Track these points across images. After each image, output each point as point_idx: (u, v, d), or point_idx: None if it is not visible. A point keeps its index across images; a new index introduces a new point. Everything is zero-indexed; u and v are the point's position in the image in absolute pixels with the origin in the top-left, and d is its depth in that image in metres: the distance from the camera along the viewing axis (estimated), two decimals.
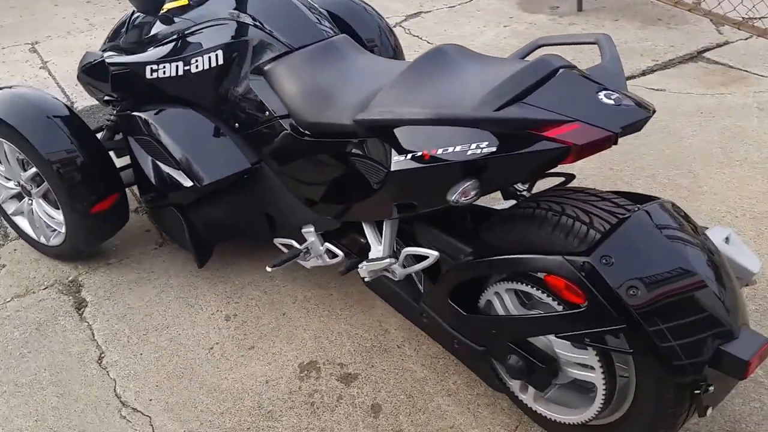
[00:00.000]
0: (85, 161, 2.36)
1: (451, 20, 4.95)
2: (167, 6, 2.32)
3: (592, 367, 1.59)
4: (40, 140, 2.32)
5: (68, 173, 2.32)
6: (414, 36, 4.71)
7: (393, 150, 1.68)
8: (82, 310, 2.44)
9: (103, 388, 2.12)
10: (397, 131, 1.67)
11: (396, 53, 2.85)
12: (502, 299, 1.72)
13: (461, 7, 5.21)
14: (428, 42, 4.63)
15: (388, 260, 1.90)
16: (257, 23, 2.16)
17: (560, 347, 1.64)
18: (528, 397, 1.80)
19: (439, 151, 1.57)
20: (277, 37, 2.14)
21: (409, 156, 1.63)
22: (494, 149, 1.49)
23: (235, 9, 2.23)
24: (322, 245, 2.15)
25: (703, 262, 1.45)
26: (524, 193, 2.16)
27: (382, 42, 2.79)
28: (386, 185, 1.75)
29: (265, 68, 2.12)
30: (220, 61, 2.20)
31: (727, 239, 1.63)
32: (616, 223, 1.47)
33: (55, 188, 2.37)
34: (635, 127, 1.46)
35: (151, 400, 2.07)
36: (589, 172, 3.01)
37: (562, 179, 2.05)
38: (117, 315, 2.40)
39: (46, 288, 2.55)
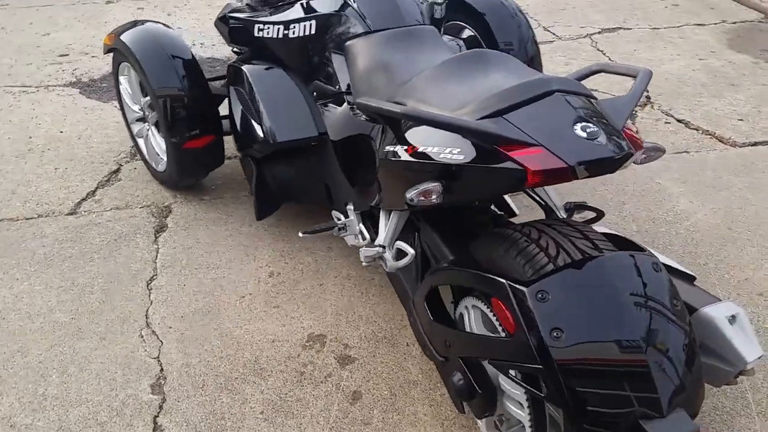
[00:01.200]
0: (189, 101, 2.55)
1: (647, 41, 4.61)
2: None
3: (521, 405, 1.46)
4: (154, 74, 2.55)
5: (172, 108, 2.54)
6: (598, 50, 4.47)
7: (387, 139, 1.67)
8: (159, 233, 2.66)
9: (139, 306, 2.30)
10: (395, 123, 1.67)
11: (533, 61, 2.76)
12: (469, 314, 1.64)
13: (665, 30, 4.82)
14: (609, 59, 4.36)
15: (377, 248, 1.87)
16: (351, 0, 2.20)
17: (503, 378, 1.52)
18: (482, 425, 1.70)
19: (420, 149, 1.53)
20: (363, 16, 2.16)
21: (395, 147, 1.61)
22: (463, 158, 1.44)
23: None
24: (357, 225, 2.16)
25: (655, 334, 1.26)
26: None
27: (519, 47, 2.73)
28: (378, 173, 1.73)
29: (345, 44, 2.16)
30: (312, 31, 2.27)
31: (733, 318, 1.41)
32: (569, 263, 1.33)
33: (160, 118, 2.59)
34: (602, 165, 1.36)
35: (170, 328, 2.22)
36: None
37: (593, 215, 1.89)
38: (184, 246, 2.58)
39: (142, 207, 2.81)
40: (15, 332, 2.20)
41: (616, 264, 1.33)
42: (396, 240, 1.89)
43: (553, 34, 4.79)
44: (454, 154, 1.46)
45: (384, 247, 1.88)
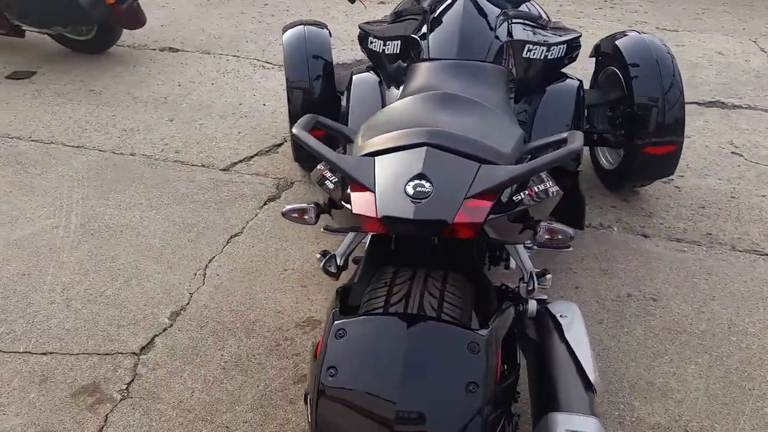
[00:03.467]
0: (314, 96, 2.91)
1: None
2: None
3: None
4: (290, 68, 2.95)
5: (293, 97, 2.92)
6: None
7: None
8: (269, 202, 3.08)
9: (211, 253, 2.74)
10: None
11: (675, 125, 2.69)
12: None
13: None
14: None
15: None
16: (426, 24, 2.34)
17: None
18: None
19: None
20: (429, 44, 2.29)
21: None
22: (332, 187, 1.57)
23: (429, 7, 2.44)
24: None
25: (412, 405, 1.28)
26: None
27: (663, 106, 2.67)
28: None
29: (409, 66, 2.32)
30: (397, 51, 2.46)
31: None
32: (380, 312, 1.41)
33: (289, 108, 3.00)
34: (407, 224, 1.38)
35: (217, 275, 2.62)
36: None
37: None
38: (276, 216, 2.97)
39: (274, 178, 3.26)
40: (120, 243, 2.79)
41: (416, 328, 1.34)
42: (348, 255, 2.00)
43: None
44: (332, 181, 1.59)
45: None
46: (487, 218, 1.40)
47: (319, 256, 1.91)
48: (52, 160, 3.42)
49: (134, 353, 2.25)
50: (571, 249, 2.24)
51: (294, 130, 1.62)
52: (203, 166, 3.37)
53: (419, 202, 1.38)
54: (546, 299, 1.94)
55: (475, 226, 1.39)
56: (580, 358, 1.61)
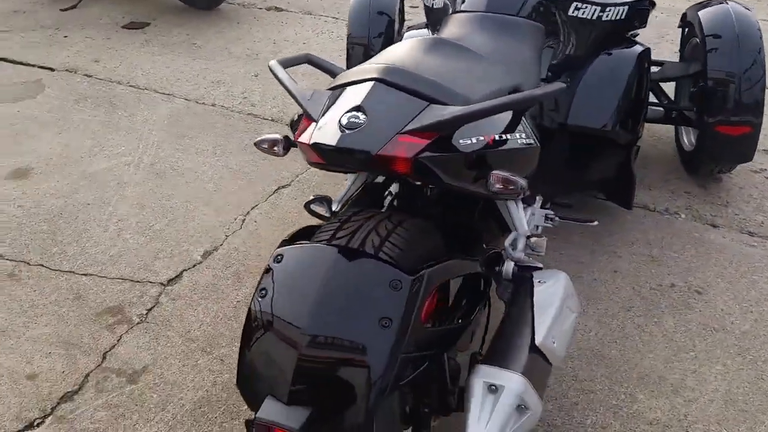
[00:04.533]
0: (368, 51, 2.91)
1: None
2: None
3: None
4: (352, 23, 2.96)
5: (353, 53, 2.94)
6: None
7: None
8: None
9: (256, 200, 2.84)
10: None
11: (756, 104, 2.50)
12: None
13: None
14: None
15: None
16: None
17: None
18: None
19: None
20: None
21: None
22: (296, 119, 1.60)
23: None
24: None
25: (319, 330, 1.28)
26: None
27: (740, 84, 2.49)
28: None
29: (444, 18, 2.27)
30: (440, 5, 2.45)
31: (493, 388, 1.38)
32: (313, 242, 1.41)
33: None
34: (334, 153, 1.39)
35: (255, 222, 2.71)
36: None
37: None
38: (330, 174, 3.01)
39: None
40: (179, 184, 2.95)
41: (341, 259, 1.33)
42: None
43: None
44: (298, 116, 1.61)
45: None
46: (418, 156, 1.37)
47: (312, 197, 1.93)
48: (141, 105, 3.65)
49: (162, 283, 2.38)
50: (596, 223, 2.13)
51: (270, 63, 1.65)
52: (272, 120, 3.48)
53: (348, 132, 1.37)
54: (539, 266, 1.86)
55: (405, 161, 1.36)
56: (536, 322, 1.54)
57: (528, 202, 2.12)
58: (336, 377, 1.28)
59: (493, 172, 1.47)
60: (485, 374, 1.39)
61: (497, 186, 1.48)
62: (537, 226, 2.19)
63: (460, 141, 1.44)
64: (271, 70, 1.62)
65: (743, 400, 1.94)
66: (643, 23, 2.61)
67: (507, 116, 1.59)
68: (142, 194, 2.87)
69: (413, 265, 1.40)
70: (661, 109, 2.90)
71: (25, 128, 3.38)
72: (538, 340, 1.50)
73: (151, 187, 2.93)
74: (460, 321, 1.63)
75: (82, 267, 2.45)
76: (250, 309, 1.37)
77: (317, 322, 1.28)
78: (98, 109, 3.60)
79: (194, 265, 2.47)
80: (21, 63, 4.17)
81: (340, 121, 1.40)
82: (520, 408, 1.38)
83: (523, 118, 1.67)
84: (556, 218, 2.17)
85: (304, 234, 1.53)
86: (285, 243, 1.47)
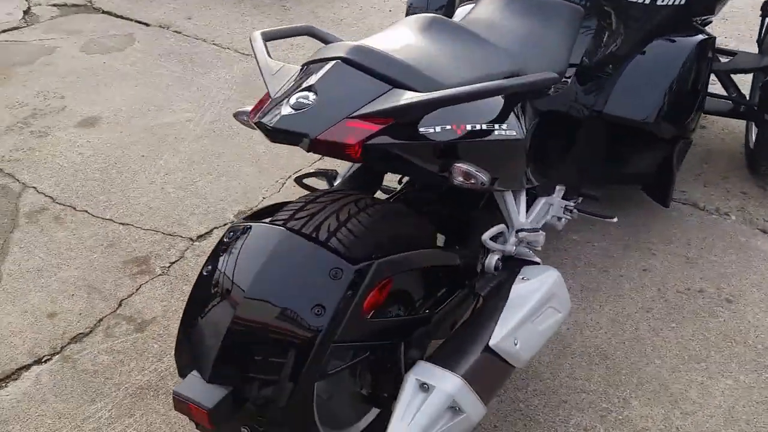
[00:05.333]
0: None
1: None
2: None
3: None
4: None
5: None
6: None
7: None
8: None
9: (298, 166, 2.89)
10: None
11: None
12: None
13: None
14: None
15: None
16: None
17: None
18: None
19: None
20: None
21: None
22: None
23: None
24: None
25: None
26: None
27: None
28: None
29: None
30: None
31: (425, 387, 1.38)
32: (256, 222, 1.44)
33: None
34: (274, 132, 1.38)
35: (295, 186, 2.75)
36: None
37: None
38: None
39: None
40: (231, 143, 3.05)
41: (287, 241, 1.35)
42: None
43: None
44: None
45: None
46: (365, 142, 1.32)
47: (312, 171, 1.95)
48: (218, 63, 3.77)
49: (190, 239, 2.49)
50: (615, 220, 2.04)
51: (253, 33, 1.65)
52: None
53: (292, 113, 1.35)
54: (535, 261, 1.81)
55: (350, 147, 1.32)
56: (500, 321, 1.49)
57: (545, 192, 2.04)
58: (260, 361, 1.29)
59: (455, 164, 1.42)
60: (421, 371, 1.37)
61: (459, 179, 1.43)
62: (557, 217, 2.11)
63: (423, 129, 1.39)
64: (250, 41, 1.63)
65: (746, 420, 1.82)
66: (710, 11, 2.41)
67: (488, 105, 1.52)
68: (194, 150, 2.99)
69: (366, 254, 1.38)
70: (729, 102, 2.69)
71: (106, 79, 3.58)
72: (493, 342, 1.46)
73: (205, 144, 3.04)
74: (427, 312, 1.60)
75: (122, 216, 2.60)
76: (195, 282, 1.41)
77: (247, 309, 1.30)
78: (177, 65, 3.75)
79: (225, 224, 2.56)
80: (121, 17, 4.39)
81: (289, 100, 1.38)
82: (454, 409, 1.35)
83: (515, 109, 1.60)
84: (575, 211, 2.09)
85: (269, 211, 1.55)
86: (247, 218, 1.49)
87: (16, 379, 1.93)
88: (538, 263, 1.80)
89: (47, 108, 3.29)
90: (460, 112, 1.44)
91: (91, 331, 2.09)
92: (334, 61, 1.42)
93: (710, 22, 2.55)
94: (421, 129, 1.38)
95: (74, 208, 2.63)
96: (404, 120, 1.37)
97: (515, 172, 1.65)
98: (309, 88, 1.38)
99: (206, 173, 2.84)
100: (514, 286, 1.61)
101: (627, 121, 2.14)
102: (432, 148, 1.42)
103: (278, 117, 1.36)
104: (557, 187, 2.08)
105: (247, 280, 1.32)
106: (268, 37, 1.66)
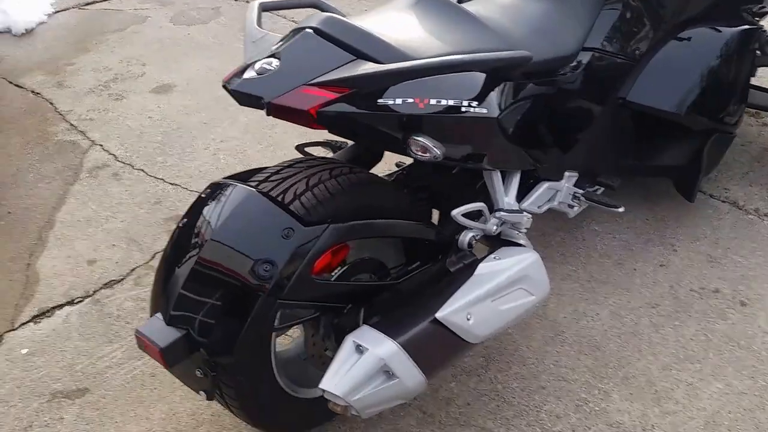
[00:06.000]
0: None
1: None
2: None
3: None
4: None
5: None
6: None
7: None
8: None
9: None
10: None
11: None
12: None
13: None
14: None
15: None
16: None
17: None
18: None
19: None
20: None
21: None
22: None
23: None
24: None
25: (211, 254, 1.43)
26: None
27: None
28: None
29: None
30: None
31: (359, 348, 1.44)
32: (231, 183, 1.54)
33: None
34: (237, 96, 1.45)
35: None
36: None
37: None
38: None
39: None
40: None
41: (248, 199, 1.46)
42: None
43: None
44: None
45: None
46: (318, 109, 1.38)
47: (318, 140, 2.03)
48: None
49: None
50: (621, 210, 2.01)
51: (252, 2, 1.73)
52: None
53: (253, 77, 1.42)
54: (518, 243, 1.83)
55: (303, 113, 1.38)
56: (455, 295, 1.54)
57: (552, 177, 2.04)
58: (211, 308, 1.42)
59: (413, 136, 1.47)
60: (360, 334, 1.45)
61: (416, 151, 1.49)
62: (569, 204, 2.10)
63: (382, 100, 1.43)
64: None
65: (728, 427, 1.78)
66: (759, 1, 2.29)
67: (460, 80, 1.53)
68: (251, 121, 3.15)
69: (323, 218, 1.47)
70: None
71: (186, 50, 3.81)
72: (440, 314, 1.51)
73: (262, 115, 3.19)
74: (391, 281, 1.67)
75: (173, 177, 2.80)
76: (173, 231, 1.56)
77: (204, 260, 1.43)
78: None
79: None
80: None
81: (254, 65, 1.45)
82: (388, 374, 1.42)
83: (490, 86, 1.60)
84: (582, 199, 2.07)
85: (251, 172, 1.65)
86: (227, 177, 1.61)
87: (50, 317, 2.17)
88: (521, 245, 1.82)
89: (128, 74, 3.56)
90: (427, 86, 1.46)
91: (122, 279, 2.30)
92: (307, 30, 1.49)
93: (766, 13, 2.41)
94: (380, 100, 1.43)
95: (132, 167, 2.86)
96: (362, 90, 1.42)
97: (490, 150, 1.67)
98: (275, 55, 1.45)
99: (257, 143, 3.00)
100: (481, 264, 1.65)
101: (653, 111, 2.09)
102: (390, 119, 1.46)
103: (240, 81, 1.44)
104: (567, 173, 2.06)
105: (209, 233, 1.44)
106: (265, 7, 1.74)
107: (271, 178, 1.55)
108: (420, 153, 1.48)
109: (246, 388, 1.49)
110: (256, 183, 1.52)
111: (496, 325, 1.63)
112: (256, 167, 1.68)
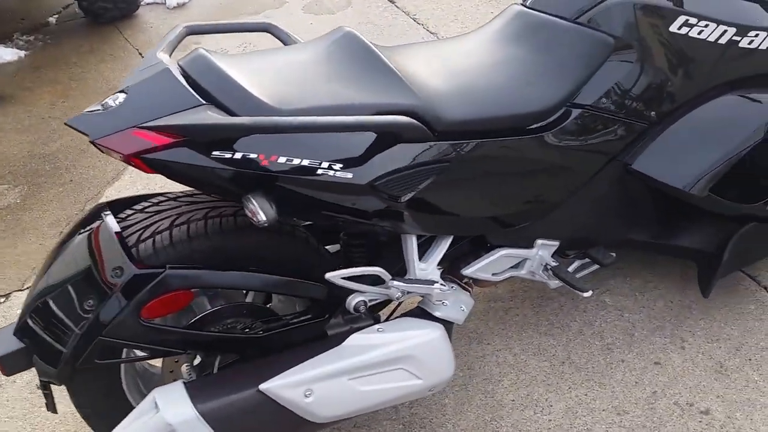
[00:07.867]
0: None
1: None
2: None
3: None
4: None
5: None
6: None
7: None
8: None
9: None
10: None
11: None
12: None
13: None
14: None
15: None
16: None
17: None
18: None
19: None
20: None
21: None
22: None
23: None
24: None
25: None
26: None
27: None
28: None
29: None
30: None
31: None
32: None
33: None
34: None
35: None
36: None
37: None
38: None
39: None
40: None
41: (96, 226, 1.48)
42: None
43: None
44: None
45: None
46: (141, 155, 1.28)
47: None
48: (401, 39, 3.83)
49: None
50: (589, 294, 1.76)
51: (179, 25, 1.65)
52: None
53: (95, 111, 1.34)
54: (434, 315, 1.67)
55: (124, 157, 1.29)
56: (300, 365, 1.44)
57: (520, 244, 1.82)
58: (46, 330, 1.45)
59: (247, 196, 1.37)
60: (165, 391, 1.40)
61: (246, 212, 1.38)
62: (537, 273, 1.87)
63: (218, 153, 1.31)
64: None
65: None
66: None
67: (329, 139, 1.39)
68: None
69: (166, 262, 1.43)
70: None
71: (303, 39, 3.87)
72: (265, 385, 1.41)
73: None
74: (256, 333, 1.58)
75: None
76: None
77: (47, 282, 1.47)
78: (366, 34, 3.89)
79: None
80: None
81: (101, 102, 1.36)
82: None
83: (370, 149, 1.42)
84: (551, 273, 1.84)
85: (137, 199, 1.59)
86: (109, 202, 1.58)
87: None
88: (432, 317, 1.65)
89: None
90: (282, 142, 1.35)
91: None
92: (171, 66, 1.39)
93: None
94: (215, 152, 1.31)
95: None
96: (196, 139, 1.31)
97: (352, 218, 1.50)
98: (124, 90, 1.37)
99: None
100: (355, 334, 1.53)
101: (658, 184, 1.77)
102: (222, 174, 1.33)
103: (81, 114, 1.36)
104: (540, 241, 1.81)
105: (59, 258, 1.49)
106: (193, 31, 1.66)
107: (147, 209, 1.53)
108: (249, 215, 1.37)
109: (86, 408, 1.54)
110: (125, 215, 1.52)
111: (350, 407, 1.49)
112: (142, 195, 1.61)
